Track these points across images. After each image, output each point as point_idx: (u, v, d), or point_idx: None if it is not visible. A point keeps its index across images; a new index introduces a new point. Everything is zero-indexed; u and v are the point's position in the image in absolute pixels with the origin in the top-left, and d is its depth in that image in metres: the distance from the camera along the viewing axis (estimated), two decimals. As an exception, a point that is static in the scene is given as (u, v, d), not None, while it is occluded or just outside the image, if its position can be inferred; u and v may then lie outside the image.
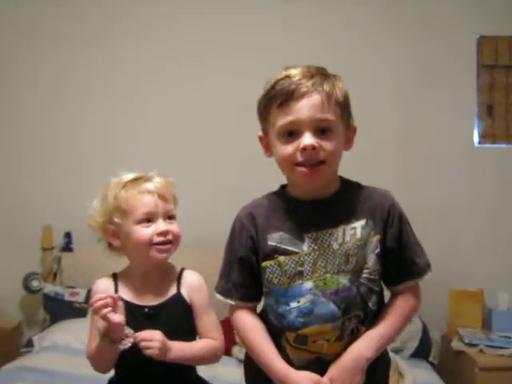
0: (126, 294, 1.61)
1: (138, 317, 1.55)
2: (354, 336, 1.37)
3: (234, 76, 3.32)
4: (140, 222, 1.57)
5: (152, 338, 1.47)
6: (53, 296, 3.23)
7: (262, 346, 1.41)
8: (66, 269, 3.36)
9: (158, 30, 3.40)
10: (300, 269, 1.36)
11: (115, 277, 1.66)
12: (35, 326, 3.43)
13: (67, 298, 3.20)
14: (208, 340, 1.61)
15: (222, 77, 3.35)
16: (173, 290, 1.62)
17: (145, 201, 1.57)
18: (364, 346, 1.35)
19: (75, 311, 3.11)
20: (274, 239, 1.39)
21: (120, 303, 1.49)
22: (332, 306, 1.34)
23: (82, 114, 3.43)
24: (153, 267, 1.62)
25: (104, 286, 1.63)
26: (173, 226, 1.60)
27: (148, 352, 1.47)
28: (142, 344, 1.47)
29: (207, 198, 3.27)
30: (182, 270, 1.66)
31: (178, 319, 1.60)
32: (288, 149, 1.34)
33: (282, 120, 1.34)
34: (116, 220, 1.59)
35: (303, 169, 1.33)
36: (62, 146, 3.44)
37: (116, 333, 1.48)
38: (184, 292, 1.62)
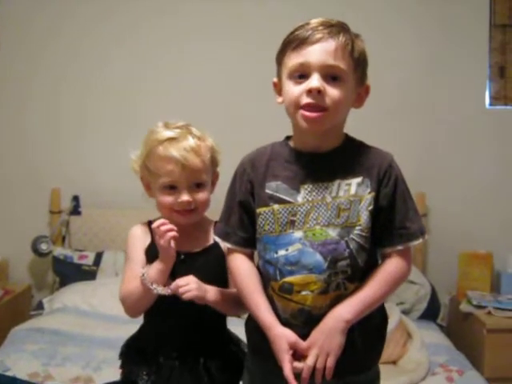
0: None
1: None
2: (340, 291, 1.36)
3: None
4: (162, 189, 1.55)
5: (187, 282, 1.46)
6: (62, 259, 3.22)
7: (252, 293, 1.42)
8: (75, 232, 3.36)
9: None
10: (292, 218, 1.37)
11: (150, 224, 1.60)
12: (45, 288, 3.44)
13: (76, 260, 3.20)
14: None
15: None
16: (210, 240, 1.60)
17: (168, 169, 1.52)
18: (344, 308, 1.34)
19: (84, 274, 3.11)
20: (270, 188, 1.41)
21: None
22: (318, 257, 1.34)
23: (92, 78, 3.37)
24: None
25: (140, 232, 1.61)
26: (199, 195, 1.55)
27: (187, 296, 1.45)
28: (180, 290, 1.46)
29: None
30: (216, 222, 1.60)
31: (213, 268, 1.58)
32: (295, 89, 1.35)
33: (293, 61, 1.36)
34: (147, 176, 1.59)
35: (306, 112, 1.34)
36: (70, 110, 3.40)
37: (168, 261, 1.49)
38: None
